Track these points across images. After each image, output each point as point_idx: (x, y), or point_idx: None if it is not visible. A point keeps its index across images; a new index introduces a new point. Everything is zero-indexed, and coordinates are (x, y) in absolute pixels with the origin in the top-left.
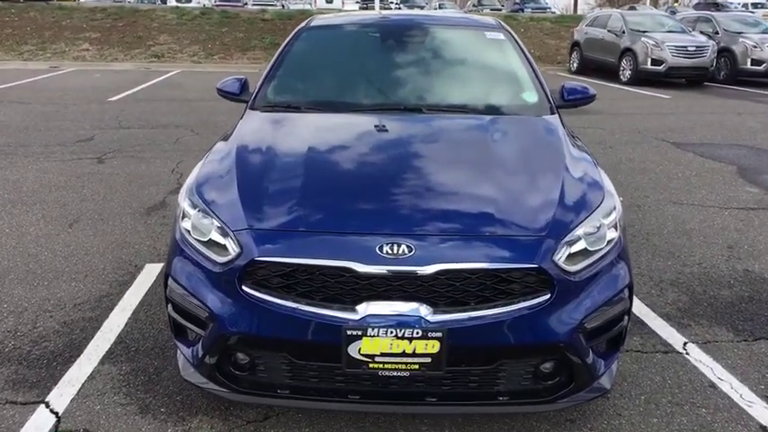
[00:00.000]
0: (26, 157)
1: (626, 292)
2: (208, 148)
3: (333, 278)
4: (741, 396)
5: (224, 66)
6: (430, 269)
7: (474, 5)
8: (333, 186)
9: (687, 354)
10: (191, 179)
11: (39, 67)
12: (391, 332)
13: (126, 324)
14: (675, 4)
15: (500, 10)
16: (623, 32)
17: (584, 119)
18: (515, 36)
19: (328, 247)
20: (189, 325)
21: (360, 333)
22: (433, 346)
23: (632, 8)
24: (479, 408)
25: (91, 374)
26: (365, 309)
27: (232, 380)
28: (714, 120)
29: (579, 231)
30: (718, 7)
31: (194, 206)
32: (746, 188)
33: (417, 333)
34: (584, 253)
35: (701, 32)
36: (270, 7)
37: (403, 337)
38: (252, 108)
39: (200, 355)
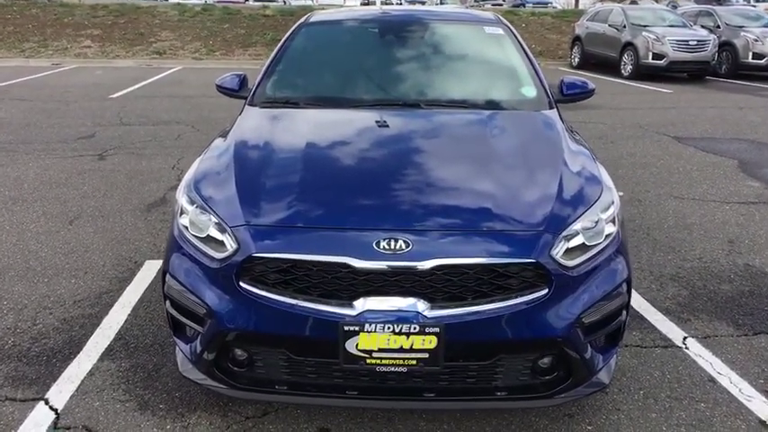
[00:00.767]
0: (27, 154)
1: (624, 286)
2: (206, 145)
3: (330, 274)
4: (740, 391)
5: (225, 62)
6: (427, 264)
7: (476, 1)
8: (330, 182)
9: (687, 348)
10: (188, 175)
11: (40, 64)
12: (389, 328)
13: (125, 321)
14: None
15: (501, 5)
16: (624, 27)
17: (585, 114)
18: (514, 31)
19: (325, 243)
20: (187, 321)
21: (357, 329)
22: (431, 342)
23: (634, 2)
24: (477, 403)
25: (90, 371)
26: (363, 304)
27: (230, 376)
28: (715, 114)
29: (577, 226)
30: (719, 1)
31: (192, 202)
32: (747, 182)
33: (415, 328)
34: (583, 248)
35: (703, 26)
36: (271, 3)
37: (400, 333)
38: (250, 104)
39: (198, 352)
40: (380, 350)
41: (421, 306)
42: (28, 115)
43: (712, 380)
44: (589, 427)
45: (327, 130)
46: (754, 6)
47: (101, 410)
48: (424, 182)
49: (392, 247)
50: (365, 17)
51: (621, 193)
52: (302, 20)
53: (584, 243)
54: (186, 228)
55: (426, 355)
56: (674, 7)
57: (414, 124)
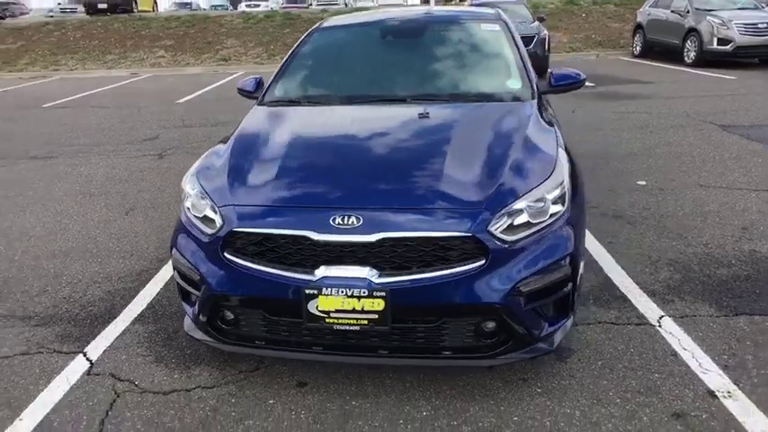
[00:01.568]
0: (99, 155)
1: (566, 260)
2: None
3: (295, 245)
4: (700, 364)
5: None
6: (374, 237)
7: None
8: (302, 168)
9: (659, 326)
10: (193, 167)
11: (120, 74)
12: (342, 291)
13: (157, 293)
14: None
15: None
16: (688, 12)
17: (634, 104)
18: (511, 27)
19: (290, 220)
20: (189, 288)
21: (316, 292)
22: (379, 304)
23: None
24: (426, 360)
25: (122, 332)
26: (322, 272)
27: (221, 333)
28: None
29: (520, 205)
30: None
31: (193, 189)
32: None
33: (364, 292)
34: (527, 225)
35: None
36: (332, 6)
37: (352, 296)
38: (259, 104)
39: (196, 313)
40: (337, 311)
41: (370, 273)
42: (104, 120)
43: (674, 354)
44: (539, 390)
45: (311, 125)
46: None
47: (126, 362)
48: (383, 167)
49: (345, 222)
50: (370, 21)
51: (643, 182)
52: (315, 25)
53: (528, 221)
54: (189, 209)
55: (375, 316)
56: None
57: (391, 117)
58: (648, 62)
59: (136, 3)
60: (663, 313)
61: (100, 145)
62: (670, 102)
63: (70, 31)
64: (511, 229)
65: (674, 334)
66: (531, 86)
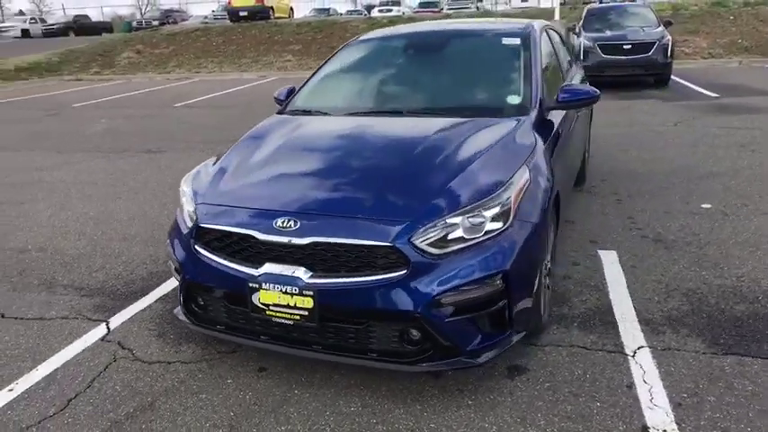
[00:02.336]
0: (201, 151)
1: (498, 278)
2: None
3: (245, 243)
4: (651, 399)
5: None
6: (306, 240)
7: None
8: (267, 175)
9: (632, 356)
10: (194, 169)
11: (250, 76)
12: (278, 287)
13: None
14: None
15: None
16: None
17: (748, 118)
18: (534, 41)
19: (242, 220)
20: (175, 275)
21: (258, 286)
22: (308, 302)
23: None
24: (353, 360)
25: (144, 308)
26: (265, 268)
27: (194, 315)
28: None
29: (455, 219)
30: None
31: (188, 188)
32: None
33: (295, 290)
34: (461, 239)
35: None
36: (464, 10)
37: (286, 293)
38: (278, 113)
39: (179, 297)
40: (274, 305)
41: (302, 273)
42: (221, 120)
43: (630, 386)
44: (469, 402)
45: (299, 135)
46: None
47: (134, 334)
48: (337, 176)
49: (285, 225)
50: (394, 35)
51: (708, 205)
52: (351, 39)
53: (462, 236)
54: (182, 208)
55: (306, 313)
56: None
57: (373, 130)
58: None
59: (273, 10)
60: (645, 344)
61: (206, 143)
62: None
63: (214, 36)
64: (443, 241)
65: (643, 366)
66: (532, 103)
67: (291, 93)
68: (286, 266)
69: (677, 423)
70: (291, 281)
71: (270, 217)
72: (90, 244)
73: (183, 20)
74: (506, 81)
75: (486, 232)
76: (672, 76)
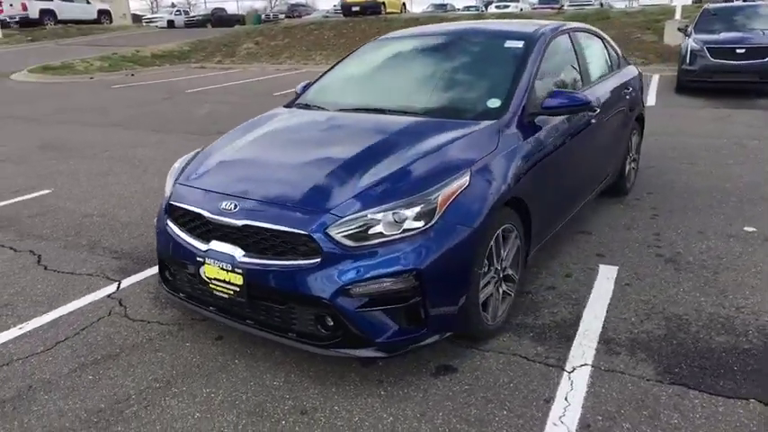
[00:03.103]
0: None
1: (410, 275)
2: None
3: (199, 221)
4: (560, 417)
5: None
6: (240, 222)
7: None
8: (232, 161)
9: (569, 372)
10: (190, 153)
11: None
12: (217, 263)
13: None
14: None
15: None
16: None
17: None
18: (539, 45)
19: (197, 200)
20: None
21: (203, 261)
22: (239, 279)
23: None
24: (275, 337)
25: (154, 274)
26: (211, 245)
27: (167, 283)
28: None
29: (377, 215)
30: None
31: (175, 168)
32: None
33: (229, 267)
34: (379, 235)
35: None
36: (584, 8)
37: (222, 269)
38: (285, 106)
39: (158, 266)
40: (216, 279)
41: (236, 252)
42: None
43: (548, 400)
44: (382, 393)
45: (280, 128)
46: None
47: (136, 295)
48: (283, 166)
49: (227, 207)
50: (410, 36)
51: (752, 229)
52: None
53: (381, 232)
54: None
55: (237, 289)
56: None
57: (346, 127)
58: None
59: (384, 5)
60: (589, 363)
61: None
62: None
63: (326, 30)
64: (363, 235)
65: (574, 384)
66: (510, 107)
67: (307, 87)
68: (227, 245)
69: None
70: (228, 258)
71: (219, 199)
72: (143, 214)
73: (308, 14)
74: (493, 84)
75: (405, 230)
76: None
